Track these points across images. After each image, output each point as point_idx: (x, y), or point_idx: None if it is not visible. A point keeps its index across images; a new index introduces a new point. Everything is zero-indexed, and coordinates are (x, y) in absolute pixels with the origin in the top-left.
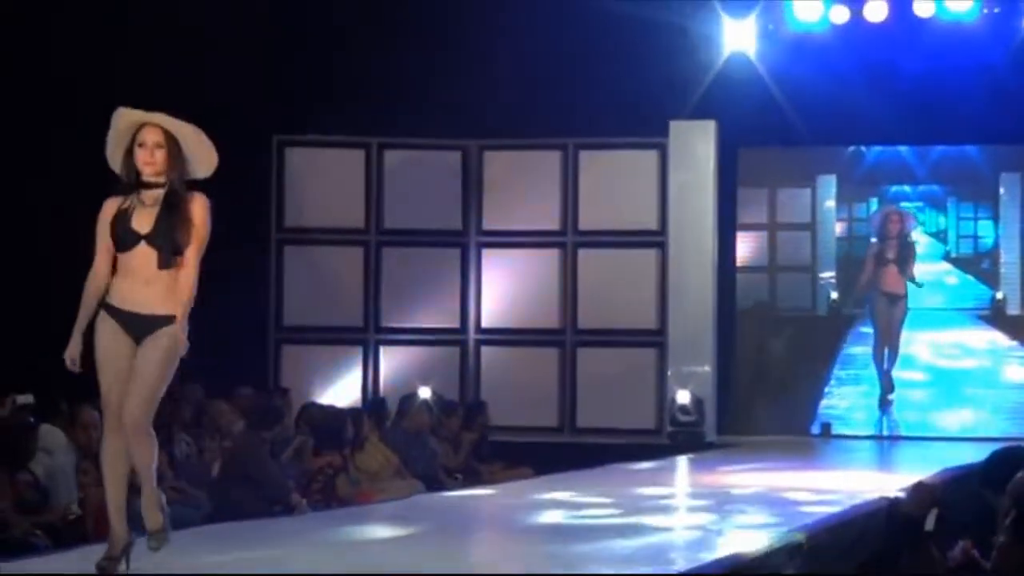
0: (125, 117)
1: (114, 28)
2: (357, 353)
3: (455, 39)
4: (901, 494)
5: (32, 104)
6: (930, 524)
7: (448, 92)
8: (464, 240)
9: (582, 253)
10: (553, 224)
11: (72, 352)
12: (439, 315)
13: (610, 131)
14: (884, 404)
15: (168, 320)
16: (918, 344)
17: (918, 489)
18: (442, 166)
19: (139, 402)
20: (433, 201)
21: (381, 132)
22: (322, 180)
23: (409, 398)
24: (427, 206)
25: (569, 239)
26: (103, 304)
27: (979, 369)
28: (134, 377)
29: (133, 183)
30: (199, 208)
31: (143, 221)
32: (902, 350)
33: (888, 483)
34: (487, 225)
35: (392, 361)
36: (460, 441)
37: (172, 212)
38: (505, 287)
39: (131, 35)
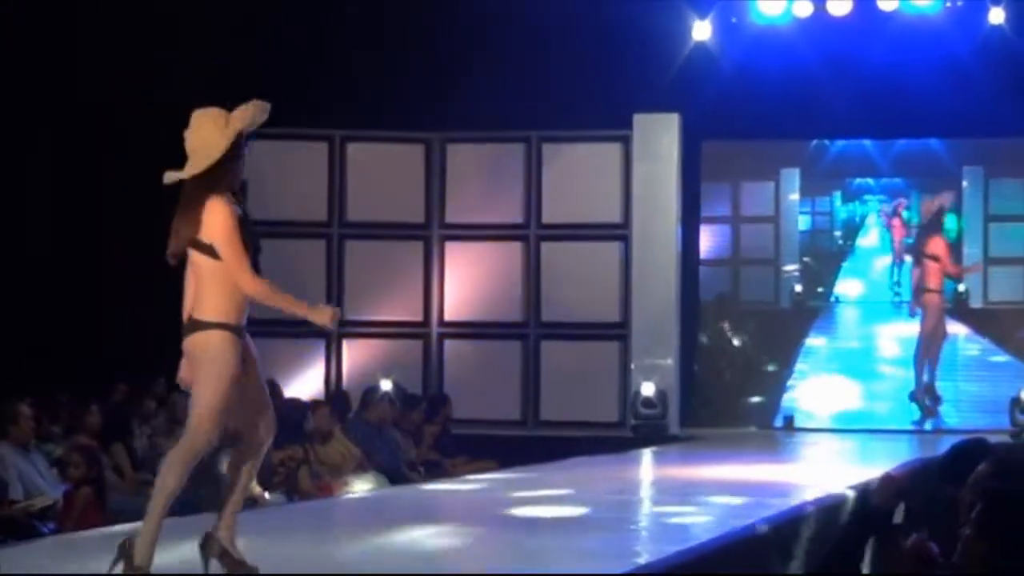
0: (263, 113)
1: (74, 22)
2: (320, 346)
3: (418, 32)
4: (869, 486)
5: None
6: (898, 517)
7: (411, 85)
8: (427, 233)
9: (545, 246)
10: (516, 217)
11: (324, 314)
12: (402, 308)
13: (574, 124)
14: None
15: None
16: (881, 337)
17: (886, 481)
18: (405, 159)
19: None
20: (396, 194)
21: (344, 125)
22: (285, 172)
23: (372, 391)
24: (390, 199)
25: (532, 232)
26: (226, 326)
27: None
28: (263, 395)
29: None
30: None
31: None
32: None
33: (850, 476)
34: (450, 218)
35: (355, 354)
36: (422, 434)
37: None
38: (468, 280)
39: (94, 28)
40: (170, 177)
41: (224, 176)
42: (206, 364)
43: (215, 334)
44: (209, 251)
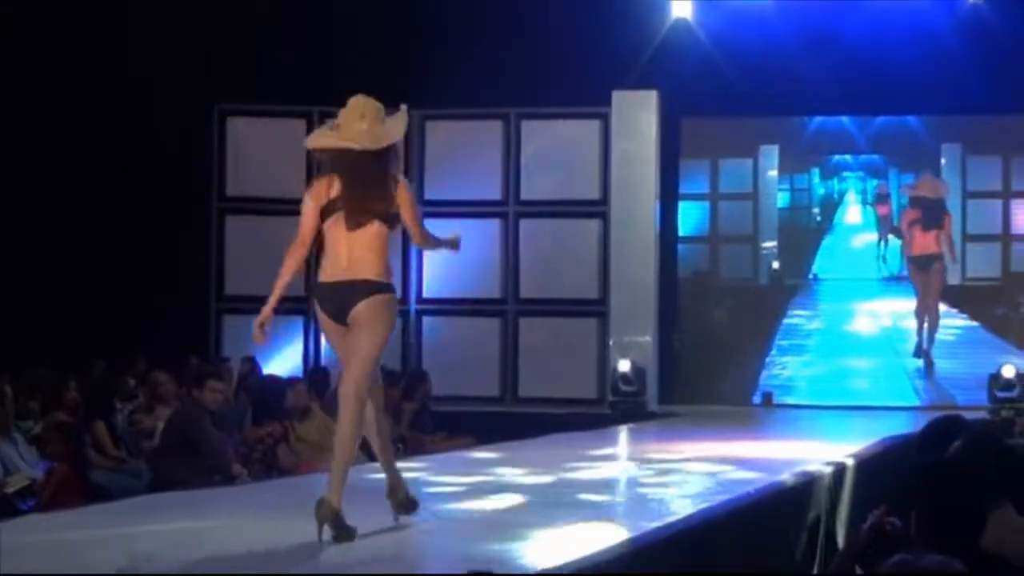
0: None
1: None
2: (298, 323)
3: (394, 8)
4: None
5: None
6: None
7: (388, 61)
8: None
9: (524, 223)
10: (495, 194)
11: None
12: None
13: (552, 101)
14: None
15: None
16: (860, 314)
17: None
18: None
19: None
20: None
21: (321, 101)
22: (263, 149)
23: None
24: None
25: (511, 209)
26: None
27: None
28: None
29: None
30: None
31: None
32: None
33: (828, 452)
34: (429, 195)
35: None
36: (401, 411)
37: None
38: (446, 257)
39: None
40: (320, 142)
41: (398, 158)
42: (385, 318)
43: (393, 295)
44: (390, 221)
